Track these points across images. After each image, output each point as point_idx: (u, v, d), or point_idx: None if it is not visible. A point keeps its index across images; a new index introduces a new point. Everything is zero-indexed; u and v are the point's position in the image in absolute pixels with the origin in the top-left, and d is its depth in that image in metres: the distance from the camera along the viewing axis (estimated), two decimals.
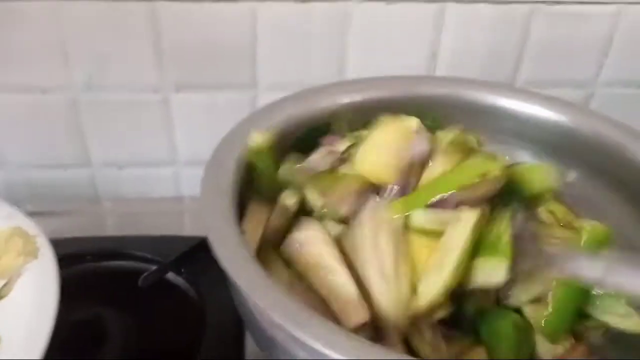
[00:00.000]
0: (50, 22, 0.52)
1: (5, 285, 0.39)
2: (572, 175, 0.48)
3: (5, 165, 0.60)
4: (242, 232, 0.34)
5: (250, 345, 0.44)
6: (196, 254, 0.49)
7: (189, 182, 0.63)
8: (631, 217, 0.45)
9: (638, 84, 0.63)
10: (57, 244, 0.42)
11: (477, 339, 0.37)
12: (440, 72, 0.59)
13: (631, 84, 0.63)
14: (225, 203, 0.35)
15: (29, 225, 0.43)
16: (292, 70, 0.57)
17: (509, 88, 0.52)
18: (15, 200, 0.45)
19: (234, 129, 0.41)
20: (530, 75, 0.61)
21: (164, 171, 0.62)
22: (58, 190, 0.62)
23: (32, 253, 0.41)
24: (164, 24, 0.53)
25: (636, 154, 0.44)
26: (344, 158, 0.41)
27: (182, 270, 0.49)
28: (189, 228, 0.59)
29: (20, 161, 0.60)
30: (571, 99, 0.62)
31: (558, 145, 0.48)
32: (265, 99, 0.58)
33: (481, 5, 0.56)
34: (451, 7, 0.56)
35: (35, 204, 0.58)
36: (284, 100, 0.46)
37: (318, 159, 0.41)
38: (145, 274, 0.46)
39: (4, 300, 0.39)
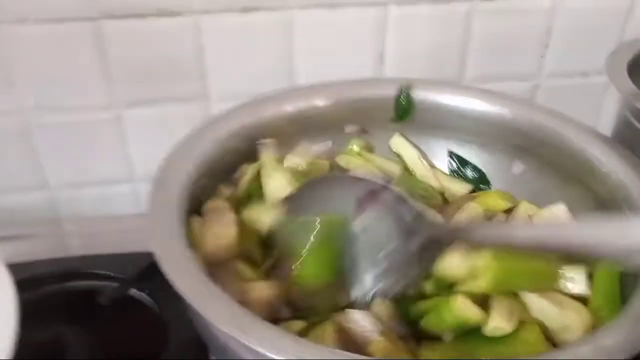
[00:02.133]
0: None
1: None
2: (518, 167, 0.50)
3: None
4: (191, 245, 0.35)
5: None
6: (158, 269, 0.50)
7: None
8: (576, 201, 0.46)
9: (581, 73, 0.66)
10: (18, 268, 0.42)
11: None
12: (387, 73, 0.61)
13: (574, 73, 0.66)
14: (172, 218, 0.35)
15: None
16: (242, 80, 0.58)
17: (453, 85, 0.54)
18: None
19: (179, 143, 0.42)
20: (476, 71, 0.63)
21: (122, 188, 0.62)
22: (17, 215, 0.61)
23: None
24: (109, 41, 0.53)
25: (574, 141, 0.46)
26: None
27: (144, 285, 0.49)
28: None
29: None
30: (517, 92, 0.65)
31: (501, 137, 0.50)
32: (218, 109, 0.58)
33: (421, 6, 0.58)
34: (393, 9, 0.57)
35: None
36: (229, 111, 0.47)
37: None
38: (106, 291, 0.47)
39: None
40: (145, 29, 0.53)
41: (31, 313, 0.38)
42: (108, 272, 0.51)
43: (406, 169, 0.52)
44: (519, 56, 0.63)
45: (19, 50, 0.53)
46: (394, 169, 0.51)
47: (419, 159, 0.52)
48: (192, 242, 0.36)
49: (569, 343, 0.35)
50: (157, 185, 0.38)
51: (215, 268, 0.37)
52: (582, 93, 0.67)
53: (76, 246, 0.63)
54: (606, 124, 0.57)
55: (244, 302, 0.36)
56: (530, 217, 0.46)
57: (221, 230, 0.38)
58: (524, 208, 0.47)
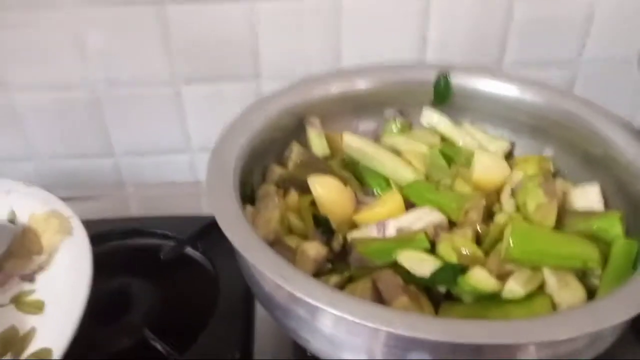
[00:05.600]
0: (70, 24, 0.58)
1: (46, 259, 0.46)
2: (548, 152, 0.53)
3: (38, 157, 0.67)
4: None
5: (259, 309, 0.50)
6: (211, 231, 0.55)
7: (204, 167, 0.68)
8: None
9: (620, 59, 0.67)
10: (89, 225, 0.48)
11: None
12: (429, 55, 0.64)
13: (613, 60, 0.67)
14: (227, 183, 0.40)
15: (64, 208, 0.49)
16: (292, 61, 0.62)
17: (489, 72, 0.56)
18: (49, 188, 0.52)
19: (234, 119, 0.47)
20: (516, 55, 0.65)
21: (180, 158, 0.68)
22: (86, 178, 0.68)
23: (67, 231, 0.47)
24: (172, 24, 0.59)
25: (601, 129, 0.48)
26: None
27: (198, 245, 0.55)
28: (206, 209, 0.65)
29: (51, 153, 0.66)
30: (557, 78, 0.67)
31: (533, 123, 0.53)
32: (268, 88, 0.63)
33: None
34: None
35: (66, 191, 0.65)
36: (280, 91, 0.51)
37: None
38: (166, 249, 0.52)
39: (46, 272, 0.45)
40: (205, 12, 0.58)
41: (100, 265, 0.44)
42: (166, 232, 0.57)
43: (443, 139, 0.55)
44: (559, 42, 0.65)
45: (92, 30, 0.59)
46: (434, 140, 0.55)
47: (453, 126, 0.55)
48: None
49: None
50: (215, 156, 0.44)
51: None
52: (622, 80, 0.68)
53: (137, 208, 0.69)
54: None
55: (298, 259, 0.41)
56: (564, 194, 0.48)
57: (268, 215, 0.43)
58: (560, 185, 0.49)
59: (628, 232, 0.44)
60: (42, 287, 0.44)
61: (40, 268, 0.46)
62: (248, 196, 0.47)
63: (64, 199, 0.52)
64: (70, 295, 0.42)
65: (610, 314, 0.32)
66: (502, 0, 0.61)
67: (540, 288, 0.40)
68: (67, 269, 0.44)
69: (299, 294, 0.32)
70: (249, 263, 0.35)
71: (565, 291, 0.39)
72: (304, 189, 0.48)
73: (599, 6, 0.63)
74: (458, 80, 0.55)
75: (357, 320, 0.31)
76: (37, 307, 0.43)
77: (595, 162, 0.49)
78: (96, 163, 0.68)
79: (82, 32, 0.59)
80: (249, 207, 0.45)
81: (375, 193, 0.51)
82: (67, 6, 0.57)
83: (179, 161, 0.69)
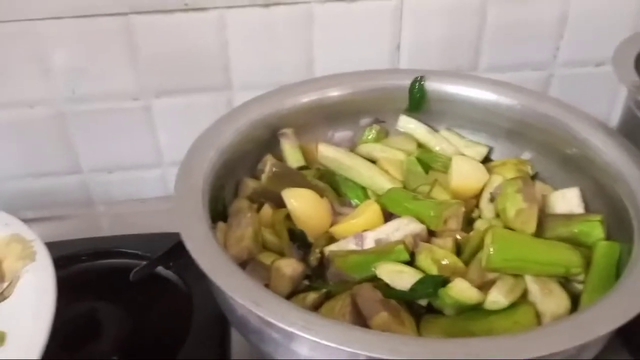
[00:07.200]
0: (31, 39, 0.56)
1: (7, 287, 0.43)
2: (526, 155, 0.52)
3: (2, 177, 0.64)
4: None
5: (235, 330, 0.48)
6: (183, 248, 0.53)
7: None
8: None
9: (595, 62, 0.67)
10: (55, 247, 0.46)
11: None
12: (404, 63, 0.63)
13: (588, 62, 0.67)
14: (196, 200, 0.39)
15: (26, 231, 0.47)
16: (264, 71, 0.61)
17: (465, 77, 0.56)
18: (14, 209, 0.49)
19: (203, 133, 0.45)
20: (491, 60, 0.65)
21: (151, 173, 0.66)
22: (53, 197, 0.66)
23: (30, 256, 0.44)
24: (138, 35, 0.57)
25: (577, 131, 0.48)
26: None
27: (171, 264, 0.53)
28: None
29: (16, 172, 0.64)
30: (532, 81, 0.66)
31: (511, 127, 0.52)
32: (241, 99, 0.61)
33: None
34: (408, 0, 0.59)
35: (33, 211, 0.63)
36: (249, 102, 0.49)
37: None
38: (135, 269, 0.50)
39: (7, 301, 0.43)
40: (172, 23, 0.57)
41: (67, 288, 0.42)
42: (137, 251, 0.54)
43: (420, 145, 0.54)
44: (533, 46, 0.65)
45: (55, 44, 0.56)
46: (411, 147, 0.54)
47: (429, 132, 0.54)
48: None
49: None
50: (183, 172, 0.42)
51: (244, 266, 0.41)
52: (596, 82, 0.68)
53: (107, 227, 0.67)
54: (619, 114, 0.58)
55: (273, 278, 0.39)
56: (544, 197, 0.47)
57: (240, 233, 0.42)
58: (539, 188, 0.48)
59: (609, 235, 0.43)
60: (4, 317, 0.42)
61: (2, 296, 0.43)
62: (220, 212, 0.45)
63: (31, 220, 0.49)
64: (32, 326, 0.39)
65: (594, 327, 0.31)
66: (475, 4, 0.61)
67: (524, 296, 0.39)
68: (29, 298, 0.42)
69: (272, 320, 0.30)
70: (220, 289, 0.33)
71: (549, 299, 0.38)
72: (279, 203, 0.46)
73: (572, 8, 0.63)
74: (433, 85, 0.54)
75: (334, 346, 0.29)
76: None
77: (573, 165, 0.49)
78: (63, 181, 0.65)
79: (45, 45, 0.56)
80: (221, 224, 0.44)
81: (353, 203, 0.50)
82: (29, 19, 0.55)
83: (150, 176, 0.66)
